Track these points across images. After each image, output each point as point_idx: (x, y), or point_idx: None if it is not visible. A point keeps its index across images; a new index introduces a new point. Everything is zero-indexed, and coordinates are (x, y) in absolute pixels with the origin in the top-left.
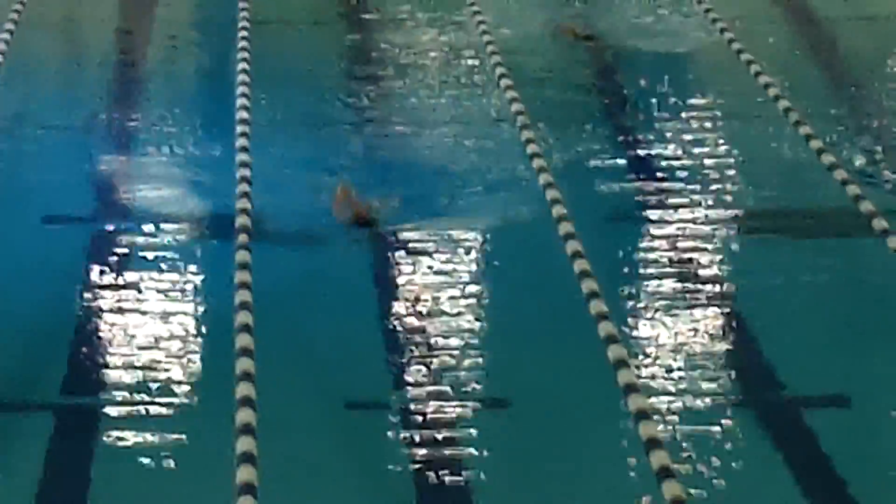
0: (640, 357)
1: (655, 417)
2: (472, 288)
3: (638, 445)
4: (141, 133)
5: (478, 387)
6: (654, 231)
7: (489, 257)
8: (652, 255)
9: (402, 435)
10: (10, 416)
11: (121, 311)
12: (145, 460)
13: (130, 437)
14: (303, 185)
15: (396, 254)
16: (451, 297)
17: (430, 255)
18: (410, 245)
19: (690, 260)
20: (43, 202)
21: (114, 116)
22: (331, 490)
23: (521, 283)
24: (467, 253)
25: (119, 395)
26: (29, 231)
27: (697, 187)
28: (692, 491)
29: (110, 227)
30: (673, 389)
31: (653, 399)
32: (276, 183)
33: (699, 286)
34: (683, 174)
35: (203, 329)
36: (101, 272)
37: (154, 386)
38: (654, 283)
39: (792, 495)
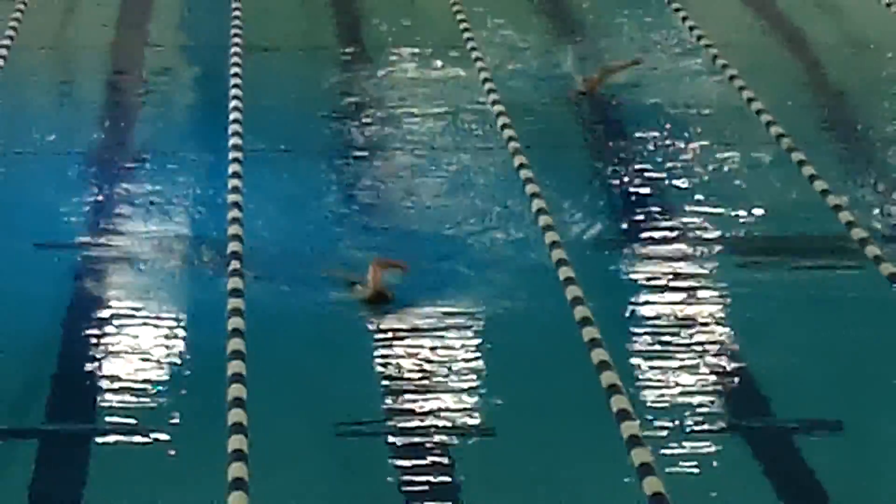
0: (634, 380)
1: (647, 444)
2: (463, 315)
3: (630, 471)
4: (132, 159)
5: (468, 415)
6: (646, 257)
7: (479, 286)
8: (643, 282)
9: (391, 462)
10: None
11: (109, 336)
12: (134, 486)
13: (119, 464)
14: (295, 216)
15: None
16: (442, 326)
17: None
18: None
19: (682, 286)
20: (32, 227)
21: (105, 142)
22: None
23: (512, 309)
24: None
25: (107, 421)
26: (17, 256)
27: (688, 213)
28: None
29: (100, 253)
30: (665, 416)
31: (645, 426)
32: (268, 212)
33: (690, 312)
34: (674, 199)
35: (194, 355)
36: (90, 298)
37: (143, 412)
38: (646, 308)
39: None
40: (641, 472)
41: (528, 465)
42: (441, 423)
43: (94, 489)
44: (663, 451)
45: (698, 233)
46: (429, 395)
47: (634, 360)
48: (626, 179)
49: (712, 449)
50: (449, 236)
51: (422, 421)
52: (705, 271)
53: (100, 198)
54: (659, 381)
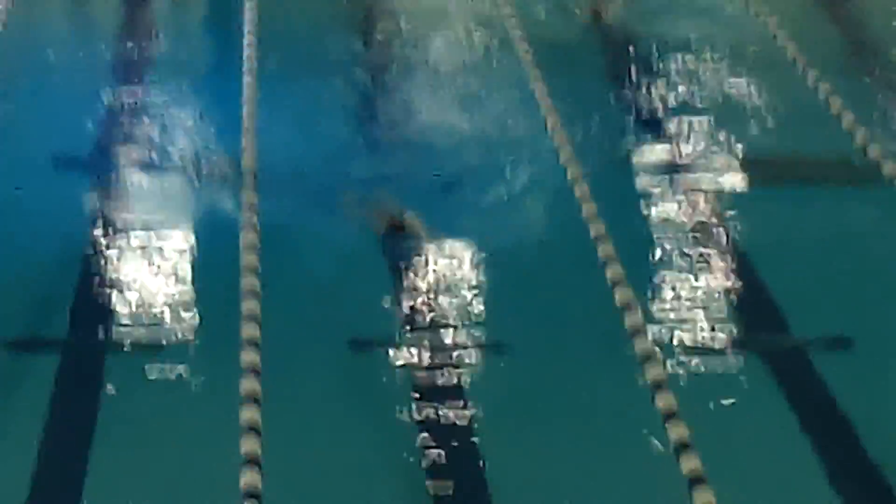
0: (647, 299)
1: (660, 360)
2: (478, 231)
3: (643, 388)
4: (149, 76)
5: (481, 331)
6: (662, 176)
7: (494, 206)
8: (659, 200)
9: (404, 375)
10: (16, 356)
11: (124, 251)
12: (151, 398)
13: (136, 377)
14: (309, 134)
15: None
16: (457, 246)
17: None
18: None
19: (698, 205)
20: (52, 142)
21: (121, 59)
22: (334, 429)
23: (528, 229)
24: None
25: (125, 333)
26: (37, 171)
27: (704, 131)
28: (696, 432)
29: (118, 167)
30: (678, 333)
31: (658, 342)
32: (282, 130)
33: (706, 230)
34: (689, 119)
35: (208, 270)
36: (108, 212)
37: (159, 326)
38: (661, 227)
39: (795, 435)
40: (654, 388)
41: (542, 380)
42: (455, 338)
43: (111, 401)
44: (676, 368)
45: (713, 152)
46: (443, 312)
47: (648, 278)
48: (640, 99)
49: (726, 365)
50: (463, 156)
51: (435, 336)
52: (720, 190)
53: (116, 113)
54: (673, 298)
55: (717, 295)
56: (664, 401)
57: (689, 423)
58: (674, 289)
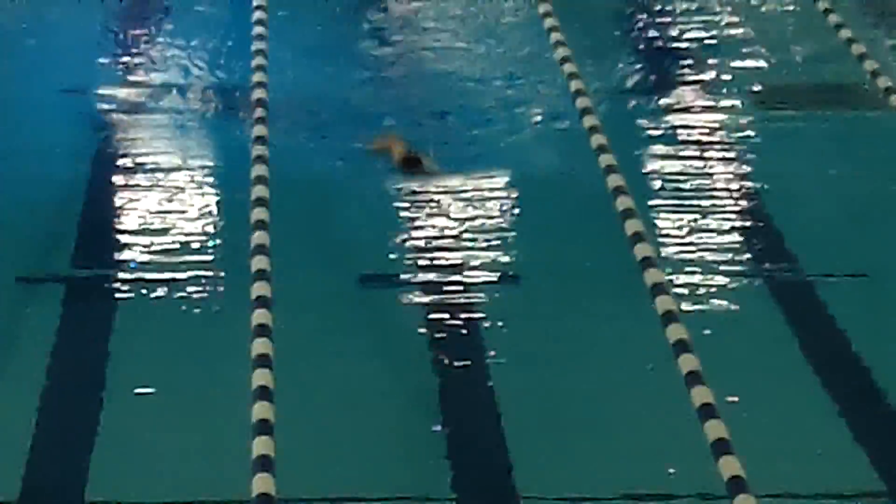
0: (657, 232)
1: (671, 292)
2: (488, 163)
3: (654, 320)
4: (158, 7)
5: (492, 265)
6: (672, 108)
7: (503, 134)
8: (669, 133)
9: (415, 310)
10: (22, 289)
11: (133, 184)
12: (159, 332)
13: (144, 310)
14: (320, 71)
15: None
16: (466, 174)
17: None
18: None
19: (708, 136)
20: (58, 74)
21: None
22: (345, 362)
23: (536, 157)
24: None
25: (131, 266)
26: (43, 102)
27: (713, 63)
28: (707, 365)
29: (123, 98)
30: (689, 265)
31: (669, 274)
32: (293, 61)
33: (716, 163)
34: (699, 50)
35: (218, 202)
36: (114, 145)
37: (167, 260)
38: (672, 159)
39: (804, 369)
40: (665, 319)
41: (552, 312)
42: (465, 273)
43: (119, 335)
44: (686, 301)
45: (722, 83)
46: (453, 247)
47: (658, 212)
48: (650, 31)
49: (735, 298)
50: (472, 89)
51: (446, 271)
52: (730, 122)
53: (125, 46)
54: (683, 230)
55: (727, 227)
56: (675, 332)
57: (699, 355)
58: (685, 220)
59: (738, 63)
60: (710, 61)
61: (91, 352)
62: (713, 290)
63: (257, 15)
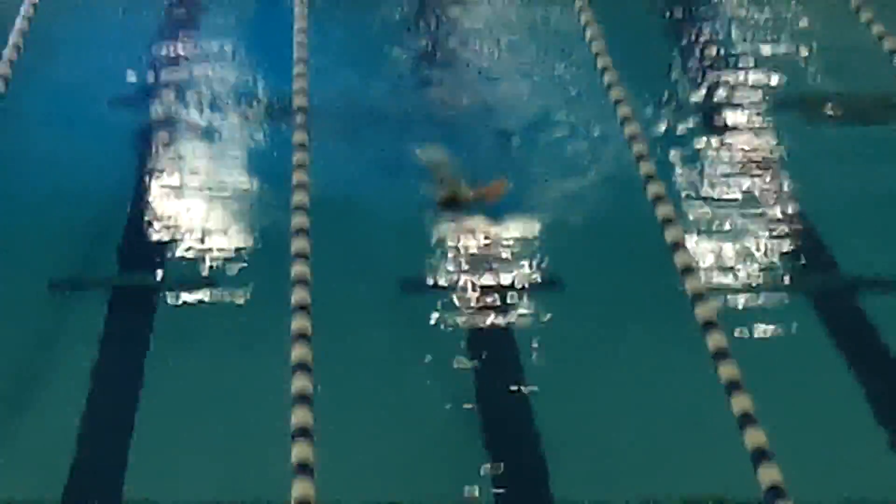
0: (697, 240)
1: (712, 300)
2: (526, 167)
3: (694, 327)
4: (200, 14)
5: (533, 271)
6: (712, 114)
7: (546, 139)
8: (709, 139)
9: (455, 316)
10: (66, 294)
11: (174, 189)
12: (200, 338)
13: (186, 316)
14: (361, 73)
15: None
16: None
17: None
18: None
19: (748, 143)
20: (104, 82)
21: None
22: (384, 368)
23: (578, 165)
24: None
25: (175, 271)
26: (89, 111)
27: (755, 70)
28: (747, 372)
29: (168, 106)
30: (729, 272)
31: (709, 282)
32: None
33: (757, 169)
34: (741, 58)
35: (259, 208)
36: (159, 152)
37: (210, 266)
38: (712, 165)
39: (845, 377)
40: (705, 328)
41: (592, 318)
42: (506, 278)
43: (161, 340)
44: (727, 306)
45: (765, 90)
46: (494, 256)
47: (697, 217)
48: (689, 33)
49: (775, 305)
50: (513, 90)
51: (486, 276)
52: (771, 127)
53: (168, 53)
54: (722, 237)
55: (768, 234)
56: (714, 340)
57: (739, 363)
58: (725, 227)
59: (779, 68)
60: (753, 68)
61: (132, 356)
62: (753, 298)
63: (298, 23)
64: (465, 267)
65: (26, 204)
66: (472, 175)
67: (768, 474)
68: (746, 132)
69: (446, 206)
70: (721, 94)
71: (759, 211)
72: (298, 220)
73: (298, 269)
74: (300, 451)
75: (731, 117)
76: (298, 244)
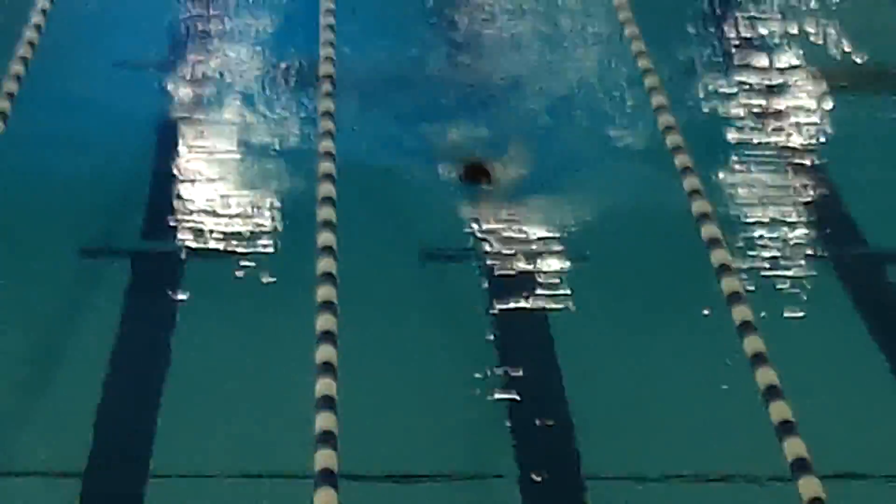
0: (723, 211)
1: (736, 273)
2: (555, 137)
3: (719, 299)
4: None
5: (560, 241)
6: (740, 81)
7: (570, 112)
8: (736, 106)
9: (479, 286)
10: (87, 262)
11: (198, 158)
12: (225, 307)
13: (211, 285)
14: (389, 39)
15: None
16: (532, 144)
17: None
18: None
19: (776, 112)
20: (117, 47)
21: None
22: (409, 337)
23: (603, 136)
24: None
25: (199, 239)
26: (110, 76)
27: (786, 40)
28: (771, 344)
29: (187, 73)
30: (755, 243)
31: (734, 254)
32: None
33: (783, 139)
34: (771, 26)
35: (284, 176)
36: (182, 118)
37: (235, 235)
38: (738, 135)
39: (869, 349)
40: (730, 300)
41: (619, 290)
42: (531, 247)
43: (186, 308)
44: (751, 280)
45: (794, 59)
46: (517, 227)
47: (723, 188)
48: (717, 8)
49: (801, 277)
50: (539, 64)
51: (511, 247)
52: (797, 101)
53: (188, 18)
54: (748, 209)
55: (794, 204)
56: (739, 313)
57: (764, 336)
58: (750, 197)
59: (812, 39)
60: (783, 38)
61: (156, 326)
62: (778, 271)
63: None
64: (490, 240)
65: (56, 177)
66: (497, 149)
67: (794, 447)
68: (775, 100)
69: (469, 179)
70: (753, 68)
71: (786, 183)
72: (324, 188)
73: (324, 237)
74: (323, 421)
75: (761, 85)
76: (324, 213)
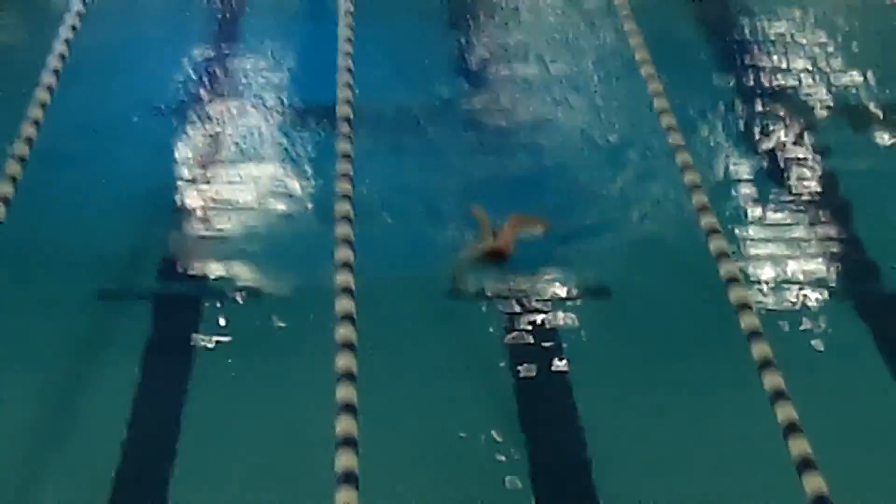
0: (741, 248)
1: (756, 308)
2: (575, 174)
3: (738, 336)
4: (239, 16)
5: (579, 276)
6: (758, 114)
7: (589, 144)
8: (753, 141)
9: (501, 325)
10: (109, 305)
11: (217, 198)
12: (244, 347)
13: (230, 324)
14: (407, 77)
15: None
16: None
17: None
18: None
19: (794, 147)
20: (144, 89)
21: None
22: (429, 375)
23: (622, 167)
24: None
25: (217, 281)
26: (128, 119)
27: (803, 73)
28: (790, 381)
29: (208, 113)
30: (773, 280)
31: (753, 290)
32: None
33: (802, 174)
34: (788, 57)
35: (302, 218)
36: (201, 160)
37: (253, 274)
38: (756, 170)
39: (891, 386)
40: (751, 338)
41: (639, 326)
42: (552, 288)
43: (205, 348)
44: (771, 317)
45: (812, 92)
46: (539, 268)
47: (743, 228)
48: (738, 44)
49: (821, 315)
50: (556, 99)
51: (531, 282)
52: (819, 133)
53: (208, 59)
54: (767, 247)
55: (813, 241)
56: (759, 350)
57: (784, 373)
58: (769, 234)
59: (830, 72)
60: (801, 70)
61: (176, 367)
62: (799, 308)
63: (344, 31)
64: (510, 277)
65: (74, 216)
66: (512, 201)
67: (813, 484)
68: (794, 135)
69: (489, 259)
70: (770, 107)
71: (805, 221)
72: (342, 229)
73: (342, 278)
74: (344, 460)
75: (779, 117)
76: (342, 253)
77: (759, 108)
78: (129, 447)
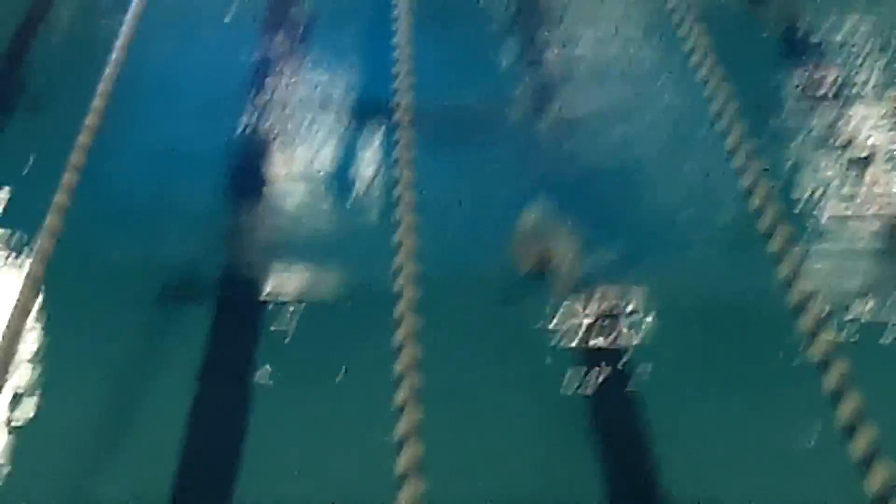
0: (808, 266)
1: (829, 331)
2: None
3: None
4: (299, 21)
5: (636, 290)
6: (817, 128)
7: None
8: (826, 168)
9: (551, 327)
10: (170, 305)
11: (279, 200)
12: (305, 350)
13: (291, 326)
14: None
15: None
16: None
17: None
18: None
19: (859, 163)
20: (204, 93)
21: (272, 6)
22: (490, 372)
23: (680, 177)
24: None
25: (278, 284)
26: (189, 121)
27: (864, 81)
28: (869, 404)
29: (267, 117)
30: (841, 299)
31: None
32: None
33: (865, 189)
34: (848, 65)
35: (362, 221)
36: (260, 161)
37: (310, 278)
38: (820, 187)
39: None
40: (811, 335)
41: (702, 343)
42: (611, 298)
43: (265, 351)
44: (842, 336)
45: (877, 104)
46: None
47: (809, 242)
48: (797, 37)
49: (883, 311)
50: (614, 102)
51: (590, 297)
52: (873, 138)
53: (269, 64)
54: (834, 263)
55: (873, 255)
56: (819, 347)
57: (861, 395)
58: (833, 250)
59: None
60: (861, 79)
61: (238, 365)
62: (860, 303)
63: (401, 34)
64: (568, 284)
65: (136, 217)
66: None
67: (878, 477)
68: (859, 151)
69: (535, 270)
70: (837, 115)
71: (867, 232)
72: (402, 235)
73: (401, 283)
74: (409, 454)
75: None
76: (403, 258)
77: (824, 115)
78: (192, 443)
